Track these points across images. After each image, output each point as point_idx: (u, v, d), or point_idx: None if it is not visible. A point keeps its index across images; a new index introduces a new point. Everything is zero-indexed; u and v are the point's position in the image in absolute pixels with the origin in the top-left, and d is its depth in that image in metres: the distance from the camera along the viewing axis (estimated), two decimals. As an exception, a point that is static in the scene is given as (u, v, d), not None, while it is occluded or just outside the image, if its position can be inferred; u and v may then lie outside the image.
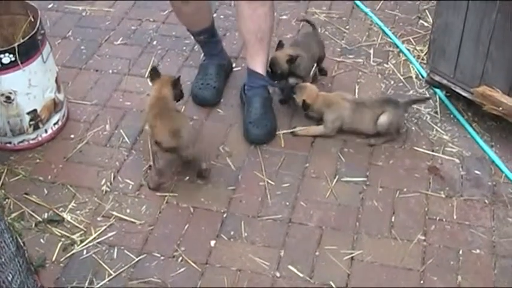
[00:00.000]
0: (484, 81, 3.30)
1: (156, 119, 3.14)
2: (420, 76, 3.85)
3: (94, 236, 3.04)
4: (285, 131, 3.53)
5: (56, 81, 3.48)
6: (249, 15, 3.45)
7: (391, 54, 4.05)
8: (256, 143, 3.49)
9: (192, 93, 3.76)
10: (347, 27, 4.30)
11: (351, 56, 4.05)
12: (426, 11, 4.39)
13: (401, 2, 4.50)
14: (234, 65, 3.97)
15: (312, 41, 3.78)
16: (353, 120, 3.43)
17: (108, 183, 3.28)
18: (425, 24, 4.25)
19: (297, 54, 3.58)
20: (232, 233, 3.04)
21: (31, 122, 3.40)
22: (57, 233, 3.05)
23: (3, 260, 2.32)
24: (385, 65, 3.95)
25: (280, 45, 3.70)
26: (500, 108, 3.26)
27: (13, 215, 3.12)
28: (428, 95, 3.72)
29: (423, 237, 3.01)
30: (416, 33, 4.20)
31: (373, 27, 4.28)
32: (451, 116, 3.61)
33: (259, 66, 3.54)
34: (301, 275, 2.87)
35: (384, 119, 3.38)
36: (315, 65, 3.80)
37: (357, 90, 3.77)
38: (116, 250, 2.99)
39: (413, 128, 3.54)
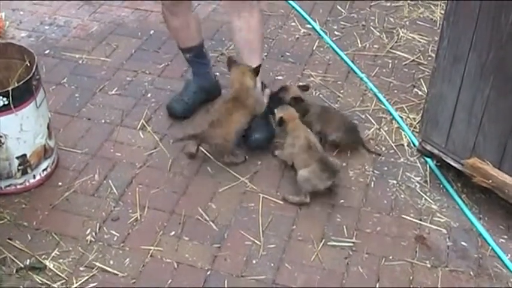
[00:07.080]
0: (475, 154, 3.31)
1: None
2: (412, 144, 3.86)
3: (75, 286, 3.00)
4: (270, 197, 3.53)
5: (48, 127, 3.48)
6: (238, 28, 3.66)
7: (384, 120, 4.06)
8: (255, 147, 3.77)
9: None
10: (342, 91, 4.32)
11: (344, 121, 4.06)
12: (421, 79, 4.42)
13: (397, 70, 4.54)
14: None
15: (334, 120, 3.80)
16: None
17: (93, 233, 3.25)
18: (420, 93, 4.28)
19: (303, 99, 3.75)
20: (215, 291, 3.02)
21: (19, 167, 3.39)
22: (38, 280, 3.02)
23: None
24: (377, 131, 3.96)
25: (304, 87, 3.92)
26: (490, 181, 3.27)
27: (-6, 259, 3.09)
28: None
29: (407, 307, 2.99)
30: (410, 102, 4.22)
31: (367, 93, 4.30)
32: (441, 186, 3.60)
33: None
34: (282, 339, 2.85)
35: (303, 173, 3.43)
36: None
37: (348, 155, 3.77)
38: (96, 302, 2.96)
39: (402, 196, 3.53)
